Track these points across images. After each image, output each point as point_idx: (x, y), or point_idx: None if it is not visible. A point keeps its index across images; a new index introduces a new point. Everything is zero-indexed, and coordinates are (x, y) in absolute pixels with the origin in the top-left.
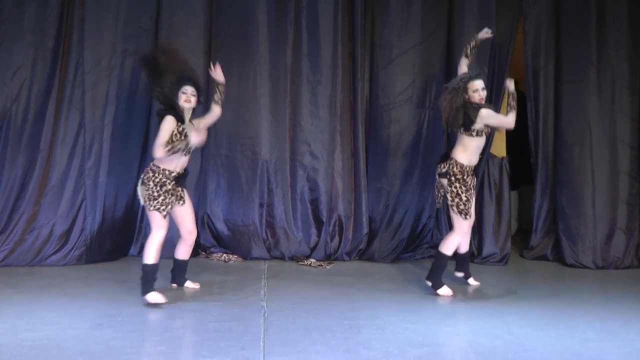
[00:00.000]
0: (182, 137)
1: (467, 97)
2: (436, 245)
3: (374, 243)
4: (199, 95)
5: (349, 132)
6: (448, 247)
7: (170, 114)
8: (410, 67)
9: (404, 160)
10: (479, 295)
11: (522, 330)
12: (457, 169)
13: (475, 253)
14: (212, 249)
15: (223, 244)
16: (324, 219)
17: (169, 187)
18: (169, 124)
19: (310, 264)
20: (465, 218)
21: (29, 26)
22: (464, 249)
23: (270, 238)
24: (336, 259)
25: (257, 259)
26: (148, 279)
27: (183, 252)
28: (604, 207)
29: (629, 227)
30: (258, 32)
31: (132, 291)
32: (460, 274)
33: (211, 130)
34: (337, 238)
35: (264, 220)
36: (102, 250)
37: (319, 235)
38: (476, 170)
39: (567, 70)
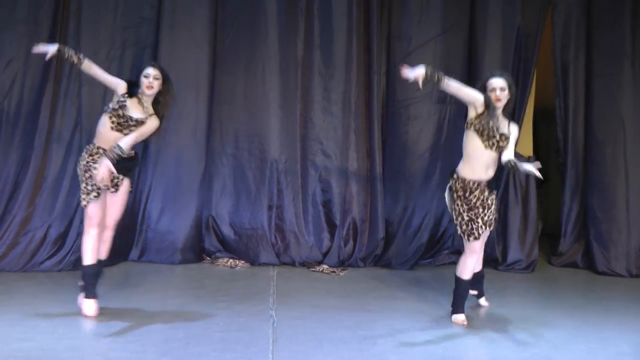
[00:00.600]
0: (118, 108)
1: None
2: (458, 252)
3: (391, 248)
4: (165, 85)
5: (364, 129)
6: (462, 270)
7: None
8: (430, 59)
9: (423, 160)
10: (504, 304)
11: (550, 343)
12: (458, 184)
13: (500, 259)
14: (218, 254)
15: (229, 248)
16: (337, 223)
17: (96, 172)
18: (119, 84)
19: (322, 271)
20: (469, 240)
21: (22, 15)
22: (477, 267)
23: (279, 242)
24: (350, 265)
25: (265, 264)
26: (87, 282)
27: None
28: (638, 210)
29: None
30: (267, 22)
31: (132, 298)
32: (473, 292)
33: (216, 127)
34: (351, 243)
35: (272, 224)
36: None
37: (331, 240)
38: (492, 185)
39: (599, 63)
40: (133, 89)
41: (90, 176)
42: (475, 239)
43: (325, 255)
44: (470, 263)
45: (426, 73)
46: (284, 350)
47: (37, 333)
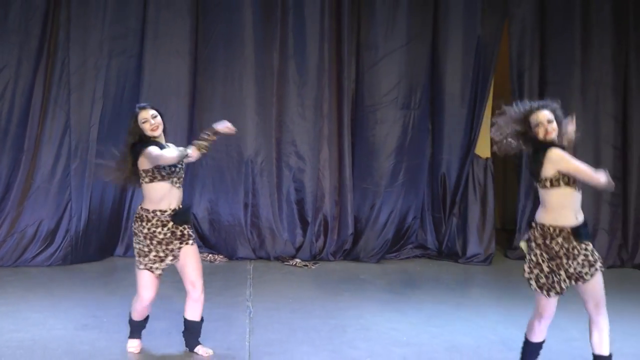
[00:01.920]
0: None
1: (530, 133)
2: (421, 246)
3: (360, 243)
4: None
5: (335, 132)
6: (528, 330)
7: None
8: (395, 68)
9: (389, 161)
10: (463, 295)
11: (506, 330)
12: (537, 232)
13: (460, 253)
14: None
15: (209, 244)
16: (310, 219)
17: (161, 236)
18: (153, 147)
19: (295, 264)
20: (548, 295)
21: (13, 26)
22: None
23: (255, 238)
24: (321, 259)
25: (242, 259)
26: (133, 328)
27: (190, 309)
28: (587, 207)
29: (612, 228)
30: (244, 33)
31: (117, 292)
32: None
33: (196, 131)
34: (322, 238)
35: (249, 221)
36: (88, 250)
37: (304, 236)
38: (579, 233)
39: (552, 71)
40: (152, 142)
41: (159, 242)
42: (553, 294)
43: (298, 250)
44: (535, 324)
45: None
46: (260, 338)
47: (28, 325)
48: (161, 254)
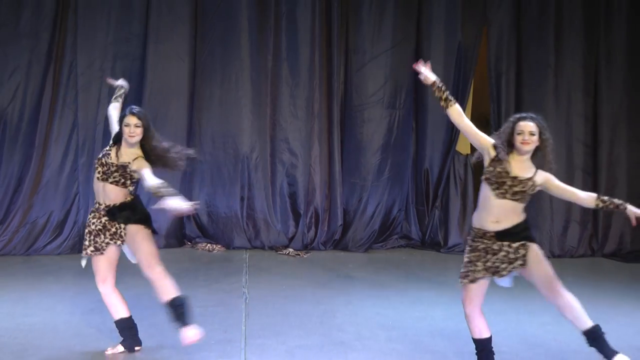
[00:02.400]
0: (102, 157)
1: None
2: (406, 236)
3: (348, 234)
4: (145, 129)
5: (325, 130)
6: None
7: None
8: (381, 70)
9: (376, 157)
10: (445, 282)
11: (485, 314)
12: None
13: (442, 243)
14: (197, 240)
15: (207, 234)
16: (302, 212)
17: (93, 227)
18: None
19: (288, 254)
20: (461, 281)
21: (24, 31)
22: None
23: (251, 229)
24: (312, 249)
25: (239, 248)
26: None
27: (157, 293)
28: (560, 201)
29: (583, 220)
30: (240, 38)
31: (121, 279)
32: None
33: (195, 129)
34: (313, 229)
35: (245, 213)
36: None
37: (296, 227)
38: (503, 237)
39: (527, 74)
40: (118, 137)
41: (90, 231)
42: (472, 282)
43: (291, 240)
44: (467, 317)
45: (434, 82)
46: (256, 322)
47: (39, 309)
48: (86, 242)
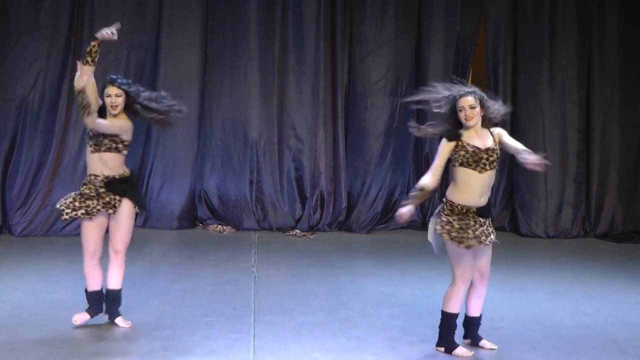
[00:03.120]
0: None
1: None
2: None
3: (352, 216)
4: (129, 99)
5: (330, 117)
6: (447, 302)
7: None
8: (384, 60)
9: (378, 143)
10: (444, 262)
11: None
12: (447, 208)
13: None
14: (208, 221)
15: (218, 216)
16: (308, 195)
17: (87, 192)
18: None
19: (295, 234)
20: (459, 244)
21: (44, 23)
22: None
23: (259, 211)
24: (318, 230)
25: (248, 229)
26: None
27: (112, 277)
28: (554, 184)
29: (576, 202)
30: (249, 29)
31: (137, 259)
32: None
33: (207, 116)
34: (319, 211)
35: (254, 196)
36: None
37: (303, 209)
38: (483, 212)
39: (523, 63)
40: (103, 109)
41: (82, 194)
42: (467, 247)
43: (297, 221)
44: (457, 293)
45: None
46: (264, 300)
47: (59, 287)
48: (76, 203)
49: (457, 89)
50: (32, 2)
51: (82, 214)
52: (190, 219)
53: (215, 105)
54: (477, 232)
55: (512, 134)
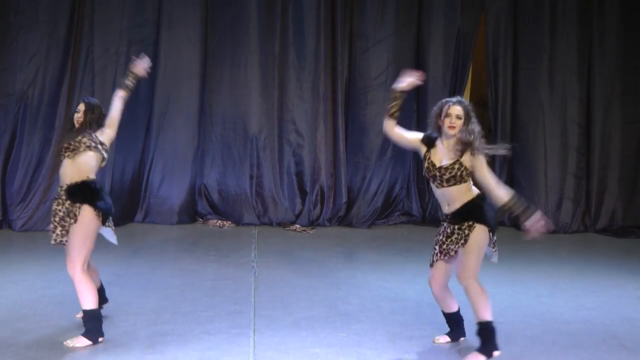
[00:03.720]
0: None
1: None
2: (407, 213)
3: (352, 211)
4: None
5: (330, 112)
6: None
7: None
8: (384, 54)
9: (378, 138)
10: None
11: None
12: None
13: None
14: (209, 216)
15: (218, 211)
16: (308, 190)
17: (57, 212)
18: None
19: (295, 229)
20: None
21: (43, 17)
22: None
23: (260, 206)
24: (318, 225)
25: (248, 224)
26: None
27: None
28: (554, 179)
29: (576, 197)
30: (249, 24)
31: (137, 253)
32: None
33: (207, 110)
34: (319, 206)
35: (254, 190)
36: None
37: (303, 204)
38: (454, 219)
39: (523, 58)
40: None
41: (56, 218)
42: (430, 265)
43: (297, 216)
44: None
45: (403, 92)
46: (264, 295)
47: (58, 282)
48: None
49: (454, 98)
50: None
51: (59, 239)
52: (190, 213)
53: (215, 100)
54: (444, 246)
55: (513, 128)
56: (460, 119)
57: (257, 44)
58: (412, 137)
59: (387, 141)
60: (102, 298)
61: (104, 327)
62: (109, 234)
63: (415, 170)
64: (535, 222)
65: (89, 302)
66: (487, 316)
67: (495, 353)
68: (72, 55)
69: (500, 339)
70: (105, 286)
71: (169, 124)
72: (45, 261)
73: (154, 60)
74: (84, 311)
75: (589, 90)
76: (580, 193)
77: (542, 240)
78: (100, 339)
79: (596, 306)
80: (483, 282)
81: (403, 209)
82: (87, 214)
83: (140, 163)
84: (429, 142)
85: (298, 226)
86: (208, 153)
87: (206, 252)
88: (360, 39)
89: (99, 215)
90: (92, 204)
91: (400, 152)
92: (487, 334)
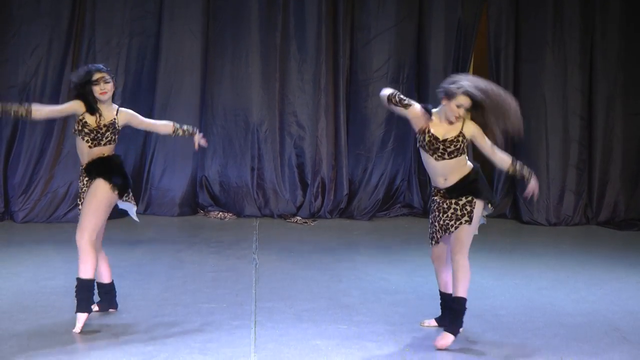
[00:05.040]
0: (82, 129)
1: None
2: (408, 205)
3: (353, 203)
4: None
5: (331, 104)
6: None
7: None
8: (385, 46)
9: (380, 130)
10: None
11: (484, 280)
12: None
13: None
14: (210, 208)
15: (219, 203)
16: (309, 182)
17: (81, 184)
18: (75, 106)
19: (296, 221)
20: (430, 243)
21: (45, 9)
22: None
23: (261, 198)
24: (319, 217)
25: (249, 216)
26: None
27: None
28: (556, 171)
29: (578, 189)
30: (250, 15)
31: (138, 245)
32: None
33: (208, 102)
34: (320, 198)
35: (255, 182)
36: (112, 208)
37: (304, 196)
38: (451, 193)
39: (525, 50)
40: (89, 104)
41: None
42: (432, 243)
43: (299, 208)
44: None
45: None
46: (265, 286)
47: (60, 273)
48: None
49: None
50: None
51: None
52: (191, 205)
53: (217, 92)
54: (442, 222)
55: None
56: (467, 109)
57: (258, 36)
58: (416, 107)
59: (388, 133)
60: (111, 302)
61: (106, 318)
62: (130, 208)
63: (416, 163)
64: (535, 184)
65: (86, 271)
66: (465, 293)
67: (460, 330)
68: (74, 47)
69: (501, 330)
70: None
71: (170, 115)
72: (47, 252)
73: (155, 52)
74: (78, 279)
75: (591, 83)
76: (582, 185)
77: (544, 233)
78: (94, 308)
79: (598, 299)
80: (485, 274)
81: (404, 201)
82: (101, 186)
83: (142, 155)
84: (427, 115)
85: (299, 218)
86: (209, 145)
87: (207, 243)
88: (361, 31)
89: (114, 189)
90: (107, 177)
91: (401, 145)
92: (461, 310)
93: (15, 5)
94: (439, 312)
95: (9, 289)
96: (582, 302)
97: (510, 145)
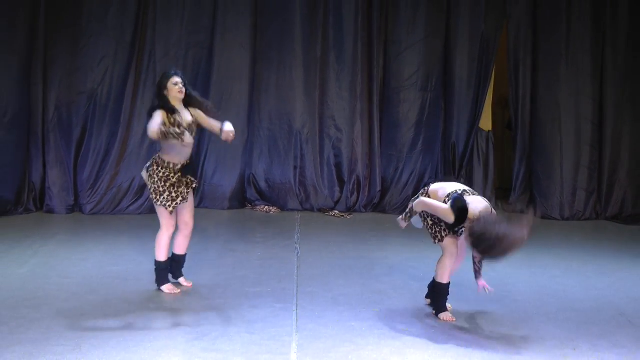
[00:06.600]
0: (176, 126)
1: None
2: None
3: (386, 198)
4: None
5: (366, 109)
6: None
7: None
8: (415, 58)
9: (410, 133)
10: None
11: (503, 269)
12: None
13: None
14: (256, 202)
15: (265, 198)
16: (346, 179)
17: (174, 180)
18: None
19: (334, 215)
20: (435, 242)
21: (111, 24)
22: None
23: (302, 194)
24: (355, 211)
25: (292, 210)
26: (160, 275)
27: (179, 244)
28: (569, 171)
29: (589, 188)
30: (294, 30)
31: (192, 235)
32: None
33: (255, 108)
34: (355, 194)
35: (297, 180)
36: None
37: (341, 192)
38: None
39: (542, 61)
40: (166, 106)
41: (172, 184)
42: (440, 241)
43: (336, 203)
44: (447, 265)
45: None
46: (306, 273)
47: (123, 260)
48: (173, 195)
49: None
50: (100, 6)
51: (180, 201)
52: (240, 200)
53: (264, 99)
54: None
55: (532, 126)
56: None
57: (301, 49)
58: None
59: (417, 136)
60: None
61: (163, 301)
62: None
63: (442, 162)
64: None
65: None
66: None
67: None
68: (137, 58)
69: (519, 314)
70: (164, 262)
71: (222, 119)
72: (111, 241)
73: (209, 62)
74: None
75: (601, 91)
76: (593, 184)
77: (558, 227)
78: (165, 288)
79: (606, 286)
80: (505, 264)
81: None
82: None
83: (196, 154)
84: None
85: (337, 212)
86: (256, 146)
87: (254, 234)
88: (394, 44)
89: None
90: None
91: (430, 146)
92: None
93: (85, 19)
94: (461, 297)
95: (78, 274)
96: (592, 289)
97: (529, 146)
